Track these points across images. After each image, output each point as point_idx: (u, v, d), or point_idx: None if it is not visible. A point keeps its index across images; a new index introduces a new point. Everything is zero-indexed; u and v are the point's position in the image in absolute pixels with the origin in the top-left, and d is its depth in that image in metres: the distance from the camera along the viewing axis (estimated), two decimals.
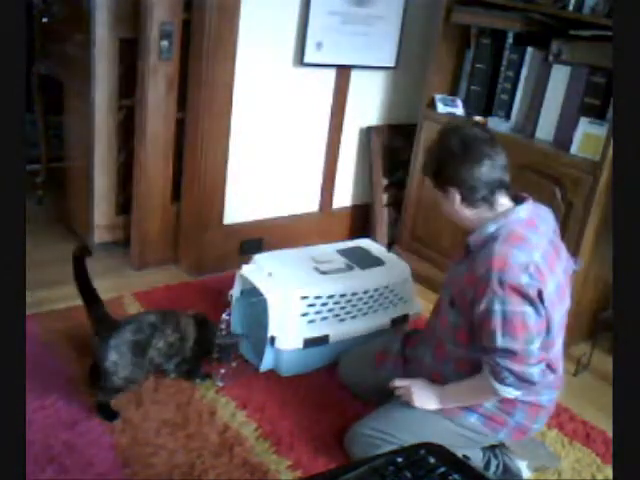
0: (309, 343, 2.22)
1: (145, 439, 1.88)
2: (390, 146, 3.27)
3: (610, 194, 2.41)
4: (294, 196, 3.12)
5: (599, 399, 2.32)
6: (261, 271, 2.29)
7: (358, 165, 3.30)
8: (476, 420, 1.82)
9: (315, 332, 2.24)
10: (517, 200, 1.77)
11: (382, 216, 3.29)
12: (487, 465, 1.92)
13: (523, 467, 1.94)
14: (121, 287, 2.65)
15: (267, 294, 2.19)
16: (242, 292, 2.40)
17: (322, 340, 2.25)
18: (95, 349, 1.96)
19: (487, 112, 2.83)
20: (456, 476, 1.08)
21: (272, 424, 2.01)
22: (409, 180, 3.07)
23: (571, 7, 2.43)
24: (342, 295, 2.28)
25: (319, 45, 2.82)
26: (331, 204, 3.27)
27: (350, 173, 3.30)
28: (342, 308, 2.30)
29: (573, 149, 2.47)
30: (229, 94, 2.68)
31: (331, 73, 2.96)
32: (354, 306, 2.33)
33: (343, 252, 2.51)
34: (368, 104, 3.18)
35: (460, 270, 1.79)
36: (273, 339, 2.18)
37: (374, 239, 3.08)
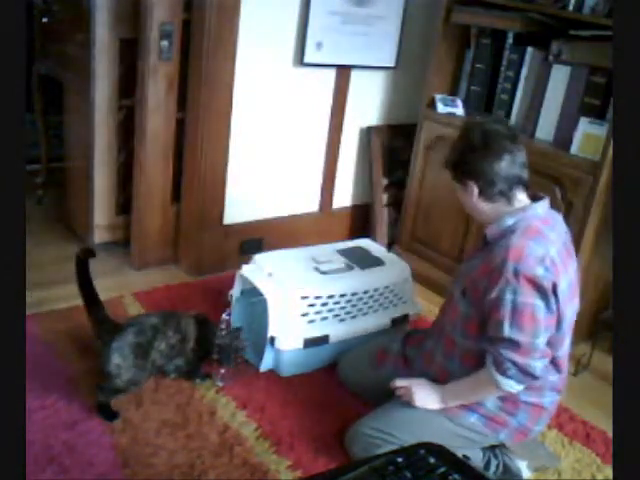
0: (309, 343, 2.22)
1: (145, 439, 1.88)
2: (390, 146, 3.27)
3: (610, 194, 2.41)
4: (294, 196, 3.12)
5: (599, 399, 2.32)
6: (261, 271, 2.29)
7: (358, 165, 3.30)
8: (477, 420, 1.82)
9: (315, 332, 2.24)
10: (534, 199, 1.78)
11: (382, 216, 3.29)
12: (487, 465, 1.92)
13: (523, 467, 1.94)
14: (121, 287, 2.65)
15: (267, 294, 2.19)
16: (242, 292, 2.40)
17: (322, 340, 2.25)
18: (98, 352, 1.96)
19: (487, 112, 2.83)
20: (456, 476, 1.08)
21: (272, 424, 2.01)
22: (409, 180, 3.07)
23: (571, 7, 2.43)
24: (342, 295, 2.28)
25: (319, 45, 2.82)
26: (331, 204, 3.27)
27: (350, 173, 3.30)
28: (342, 308, 2.30)
29: (573, 149, 2.47)
30: (229, 94, 2.68)
31: (331, 73, 2.96)
32: (354, 306, 2.33)
33: (343, 252, 2.51)
34: (368, 104, 3.18)
35: (475, 263, 1.80)
36: (273, 339, 2.18)
37: (374, 239, 3.08)
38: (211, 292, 2.68)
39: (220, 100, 2.66)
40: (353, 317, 2.34)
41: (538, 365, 1.68)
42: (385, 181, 3.28)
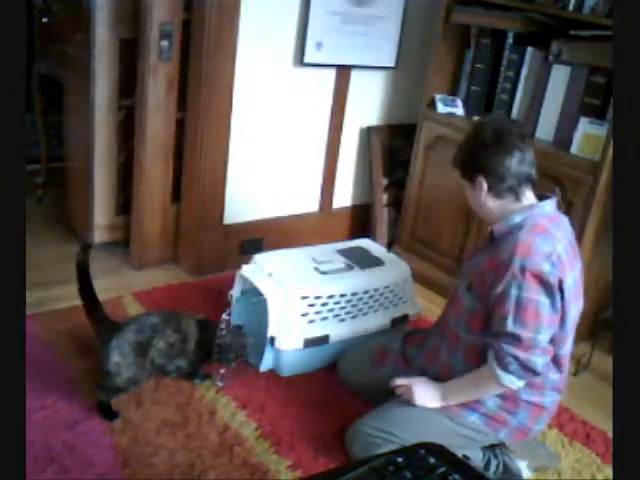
0: (309, 343, 2.22)
1: (145, 439, 1.88)
2: (390, 146, 3.27)
3: (610, 194, 2.41)
4: (294, 196, 3.12)
5: (599, 399, 2.32)
6: (261, 271, 2.29)
7: (358, 165, 3.30)
8: (477, 419, 1.82)
9: (315, 332, 2.24)
10: (541, 198, 1.79)
11: (382, 216, 3.29)
12: (487, 465, 1.92)
13: (523, 467, 1.94)
14: (121, 287, 2.65)
15: (267, 294, 2.19)
16: (242, 292, 2.40)
17: (322, 340, 2.25)
18: (98, 351, 1.96)
19: (487, 112, 2.83)
20: (456, 476, 1.08)
21: (272, 424, 2.01)
22: (409, 180, 3.07)
23: (571, 7, 2.43)
24: (342, 295, 2.28)
25: (319, 45, 2.82)
26: (331, 204, 3.27)
27: (350, 173, 3.30)
28: (342, 308, 2.30)
29: (573, 149, 2.48)
30: (229, 94, 2.68)
31: (331, 73, 2.96)
32: (354, 306, 2.33)
33: (343, 252, 2.51)
34: (368, 104, 3.18)
35: (481, 259, 1.81)
36: (273, 339, 2.18)
37: (374, 239, 3.08)
38: (211, 292, 2.68)
39: (220, 100, 2.66)
40: (353, 317, 2.34)
41: (539, 361, 1.68)
42: (385, 181, 3.28)
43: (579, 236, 2.41)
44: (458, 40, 2.92)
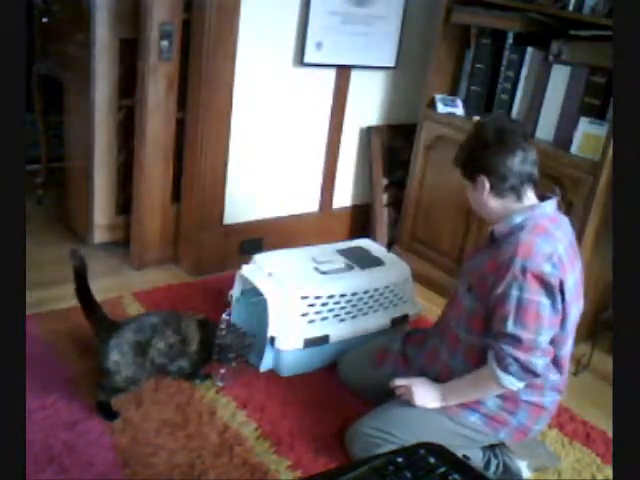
0: (309, 343, 2.22)
1: (145, 439, 1.88)
2: (390, 146, 3.27)
3: (610, 194, 2.41)
4: (294, 196, 3.12)
5: (599, 399, 2.32)
6: (261, 271, 2.29)
7: (358, 165, 3.30)
8: (477, 419, 1.82)
9: (315, 332, 2.24)
10: (542, 198, 1.79)
11: (382, 216, 3.29)
12: (487, 465, 1.92)
13: (523, 467, 1.94)
14: (121, 287, 2.65)
15: (267, 294, 2.19)
16: (242, 292, 2.40)
17: (322, 340, 2.25)
18: (97, 350, 1.96)
19: (487, 112, 2.83)
20: (456, 476, 1.08)
21: (272, 424, 2.01)
22: (409, 180, 3.07)
23: (571, 7, 2.43)
24: (342, 295, 2.28)
25: (319, 45, 2.82)
26: (331, 204, 3.27)
27: (350, 173, 3.30)
28: (342, 308, 2.30)
29: (573, 149, 2.48)
30: (229, 94, 2.68)
31: (331, 73, 2.96)
32: (354, 306, 2.33)
33: (343, 252, 2.51)
34: (368, 104, 3.18)
35: (482, 259, 1.81)
36: (273, 339, 2.18)
37: (374, 239, 3.08)
38: (211, 292, 2.68)
39: (220, 100, 2.66)
40: (353, 317, 2.34)
41: (539, 363, 1.68)
42: (385, 181, 3.28)
43: (579, 236, 2.41)
44: (458, 40, 2.92)
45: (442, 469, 1.10)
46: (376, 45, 3.02)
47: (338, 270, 2.37)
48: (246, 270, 2.33)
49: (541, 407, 1.83)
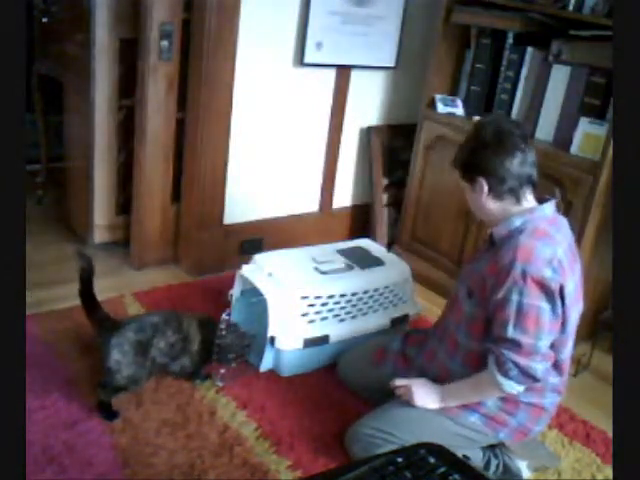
0: (309, 343, 2.22)
1: (145, 439, 1.88)
2: (390, 146, 3.27)
3: (610, 194, 2.41)
4: (294, 196, 3.12)
5: (599, 399, 2.32)
6: (261, 271, 2.29)
7: (358, 165, 3.30)
8: (477, 420, 1.82)
9: (315, 332, 2.24)
10: (541, 201, 1.78)
11: (382, 216, 3.29)
12: (487, 465, 1.93)
13: (523, 467, 1.94)
14: (121, 287, 2.65)
15: (267, 294, 2.19)
16: (242, 292, 2.40)
17: (322, 340, 2.25)
18: (98, 350, 1.96)
19: (487, 112, 2.83)
20: (456, 476, 1.08)
21: (272, 424, 2.01)
22: (409, 180, 3.07)
23: (571, 7, 2.43)
24: (342, 295, 2.28)
25: (319, 45, 2.82)
26: (331, 204, 3.27)
27: (350, 173, 3.30)
28: (342, 308, 2.30)
29: (573, 149, 2.48)
30: (229, 94, 2.68)
31: (331, 73, 2.96)
32: (354, 306, 2.33)
33: (343, 252, 2.51)
34: (368, 104, 3.18)
35: (481, 263, 1.80)
36: (273, 339, 2.18)
37: (374, 239, 3.08)
38: (211, 292, 2.68)
39: (220, 100, 2.66)
40: (353, 317, 2.34)
41: (539, 367, 1.68)
42: (385, 181, 3.28)
43: (579, 236, 2.41)
44: (458, 40, 2.92)
45: (442, 469, 1.10)
46: (376, 45, 3.02)
47: (338, 270, 2.37)
48: (246, 270, 2.33)
49: (541, 408, 1.83)
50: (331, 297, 2.26)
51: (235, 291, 2.41)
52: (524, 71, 2.68)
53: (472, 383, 1.80)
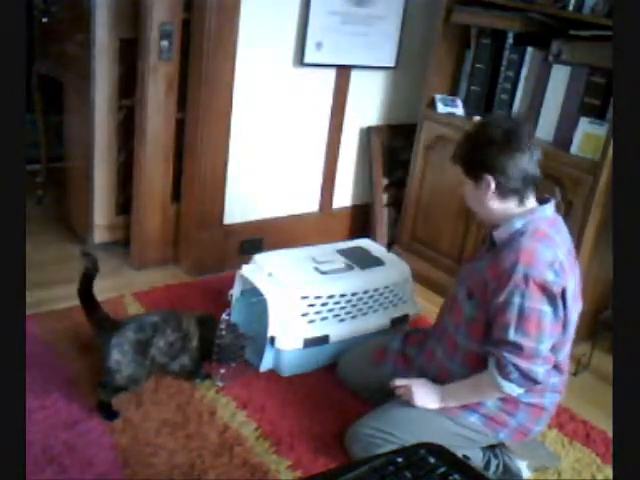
0: (309, 343, 2.22)
1: (145, 439, 1.88)
2: (390, 146, 3.27)
3: (610, 194, 2.41)
4: (294, 196, 3.12)
5: (599, 399, 2.32)
6: (261, 271, 2.29)
7: (358, 165, 3.30)
8: (476, 420, 1.82)
9: (315, 332, 2.24)
10: (541, 201, 1.78)
11: (382, 216, 3.29)
12: (487, 465, 1.92)
13: (523, 467, 1.94)
14: (121, 287, 2.65)
15: (267, 294, 2.19)
16: (242, 292, 2.40)
17: (322, 340, 2.25)
18: (98, 350, 1.96)
19: (487, 112, 2.83)
20: (456, 476, 1.08)
21: (272, 424, 2.01)
22: (409, 180, 3.07)
23: (571, 7, 2.43)
24: (342, 295, 2.28)
25: (319, 45, 2.82)
26: (331, 204, 3.27)
27: (350, 173, 3.30)
28: (342, 308, 2.30)
29: (573, 149, 2.48)
30: (229, 94, 2.68)
31: (331, 73, 2.96)
32: (354, 306, 2.33)
33: (343, 252, 2.51)
34: (368, 104, 3.18)
35: (481, 265, 1.79)
36: (273, 339, 2.18)
37: (374, 239, 3.08)
38: (211, 292, 2.68)
39: (220, 100, 2.66)
40: (353, 317, 2.34)
41: (540, 370, 1.68)
42: (385, 181, 3.28)
43: (579, 236, 2.41)
44: (458, 40, 2.92)
45: (442, 469, 1.10)
46: (376, 45, 3.02)
47: (338, 270, 2.37)
48: (246, 270, 2.33)
49: (541, 408, 1.83)
50: (331, 297, 2.26)
51: (235, 291, 2.41)
52: (524, 71, 2.68)
53: (472, 384, 1.80)
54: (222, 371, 2.14)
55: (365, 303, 2.36)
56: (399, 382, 1.90)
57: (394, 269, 2.48)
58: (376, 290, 2.37)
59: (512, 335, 1.65)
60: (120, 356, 1.91)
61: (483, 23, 2.77)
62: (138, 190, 2.77)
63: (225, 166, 2.80)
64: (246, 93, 2.73)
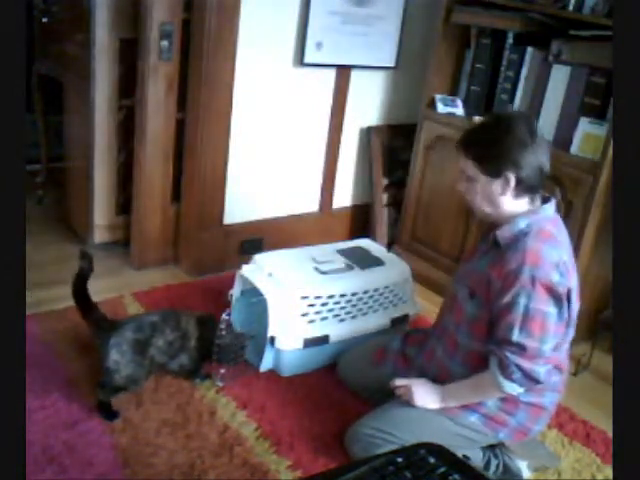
0: (309, 343, 2.22)
1: (145, 439, 1.88)
2: (390, 146, 3.27)
3: (610, 194, 2.41)
4: (294, 196, 3.12)
5: (599, 399, 2.32)
6: (261, 271, 2.29)
7: (358, 165, 3.30)
8: (476, 419, 1.82)
9: (315, 332, 2.24)
10: (543, 200, 1.78)
11: (382, 216, 3.29)
12: (487, 465, 1.92)
13: (523, 467, 1.94)
14: (121, 287, 2.65)
15: (267, 294, 2.19)
16: (242, 292, 2.40)
17: (322, 340, 2.25)
18: (97, 350, 1.96)
19: (487, 112, 2.83)
20: (456, 476, 1.08)
21: (272, 424, 2.01)
22: (409, 180, 3.07)
23: (571, 7, 2.43)
24: (342, 295, 2.28)
25: (319, 45, 2.82)
26: (331, 204, 3.27)
27: (350, 173, 3.30)
28: (342, 308, 2.30)
29: (573, 149, 2.48)
30: (229, 94, 2.68)
31: (331, 73, 2.96)
32: (354, 306, 2.33)
33: (343, 252, 2.51)
34: (368, 104, 3.18)
35: (480, 264, 1.78)
36: (273, 339, 2.18)
37: (374, 239, 3.08)
38: (211, 292, 2.68)
39: (220, 100, 2.66)
40: (353, 317, 2.34)
41: (542, 370, 1.68)
42: (385, 181, 3.28)
43: (579, 236, 2.42)
44: (458, 40, 2.92)
45: (442, 469, 1.10)
46: (376, 45, 3.02)
47: (338, 270, 2.37)
48: (246, 270, 2.33)
49: (541, 407, 1.83)
50: (331, 297, 2.26)
51: (235, 291, 2.41)
52: (524, 71, 2.68)
53: (472, 384, 1.80)
54: (222, 371, 2.14)
55: (365, 303, 2.36)
56: (399, 382, 1.90)
57: (394, 269, 2.48)
58: (376, 290, 2.37)
59: (516, 336, 1.65)
60: (119, 356, 1.91)
61: (483, 23, 2.77)
62: (138, 190, 2.78)
63: (225, 166, 2.80)
64: (246, 93, 2.73)
